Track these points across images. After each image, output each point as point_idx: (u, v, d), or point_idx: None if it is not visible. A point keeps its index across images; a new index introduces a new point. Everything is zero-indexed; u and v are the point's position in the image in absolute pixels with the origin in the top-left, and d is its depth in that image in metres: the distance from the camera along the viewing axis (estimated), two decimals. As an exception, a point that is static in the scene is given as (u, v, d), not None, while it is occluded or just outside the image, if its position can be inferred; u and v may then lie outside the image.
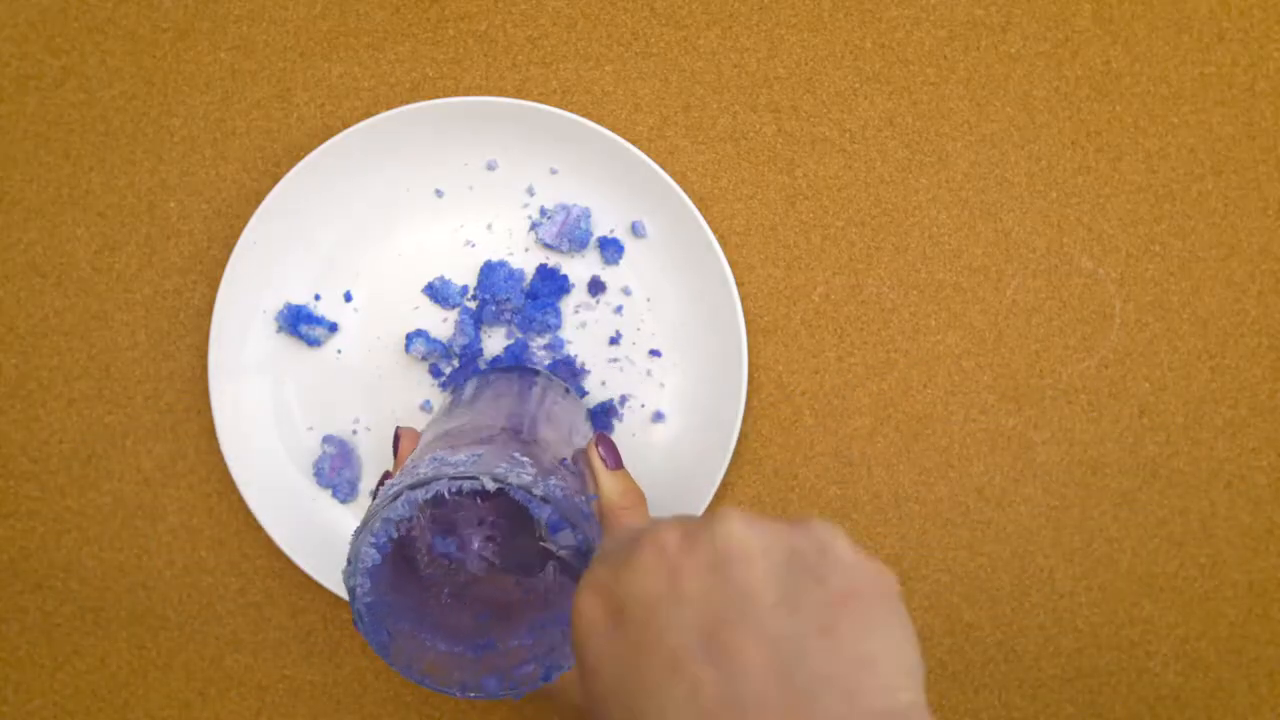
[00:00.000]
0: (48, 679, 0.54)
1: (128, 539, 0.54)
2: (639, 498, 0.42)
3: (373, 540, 0.37)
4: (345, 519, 0.53)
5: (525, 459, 0.38)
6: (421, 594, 0.40)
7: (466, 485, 0.36)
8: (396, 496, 0.36)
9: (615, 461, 0.43)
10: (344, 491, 0.53)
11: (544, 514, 0.36)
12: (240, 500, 0.54)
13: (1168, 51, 0.54)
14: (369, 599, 0.37)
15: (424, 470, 0.37)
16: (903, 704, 0.24)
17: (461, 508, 0.41)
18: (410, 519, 0.36)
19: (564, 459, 0.41)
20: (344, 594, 0.51)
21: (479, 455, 0.37)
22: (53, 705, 0.54)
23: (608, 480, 0.42)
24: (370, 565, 0.37)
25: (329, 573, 0.52)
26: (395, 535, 0.37)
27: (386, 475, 0.42)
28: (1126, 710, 0.52)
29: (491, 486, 0.36)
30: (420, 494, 0.36)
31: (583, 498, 0.38)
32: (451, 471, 0.36)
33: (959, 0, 0.54)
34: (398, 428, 0.45)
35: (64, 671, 0.54)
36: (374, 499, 0.38)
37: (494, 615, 0.40)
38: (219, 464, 0.54)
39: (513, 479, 0.36)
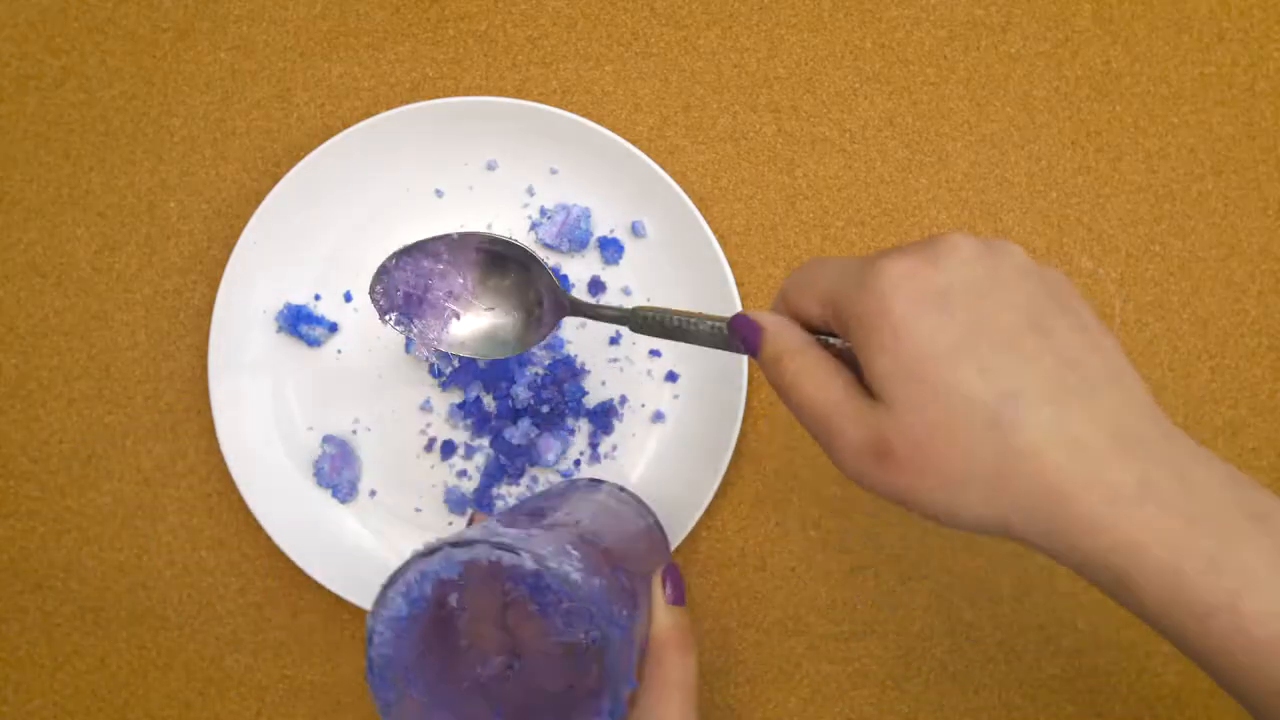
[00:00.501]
0: (48, 679, 0.54)
1: (128, 539, 0.54)
2: (689, 638, 0.41)
3: (403, 590, 0.35)
4: (345, 519, 0.53)
5: (575, 553, 0.36)
6: (444, 671, 0.38)
7: (507, 558, 0.34)
8: (434, 550, 0.35)
9: (678, 597, 0.42)
10: (344, 491, 0.53)
11: (565, 599, 0.34)
12: (240, 500, 0.54)
13: (1168, 51, 0.54)
14: (386, 650, 0.35)
15: (471, 533, 0.35)
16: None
17: (491, 594, 0.39)
18: (446, 579, 0.35)
19: (619, 568, 0.39)
20: (344, 594, 0.51)
21: (532, 535, 0.36)
22: (53, 705, 0.54)
23: (664, 613, 0.41)
24: (395, 615, 0.35)
25: (329, 573, 0.52)
26: (429, 594, 0.35)
27: None
28: (1126, 710, 0.52)
29: (531, 565, 0.34)
30: (461, 553, 0.34)
31: (624, 611, 0.36)
32: (495, 540, 0.35)
33: (959, 0, 0.54)
34: (471, 512, 0.43)
35: (64, 671, 0.54)
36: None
37: (508, 716, 0.39)
38: (219, 464, 0.54)
39: (553, 564, 0.34)
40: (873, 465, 0.31)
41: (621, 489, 0.50)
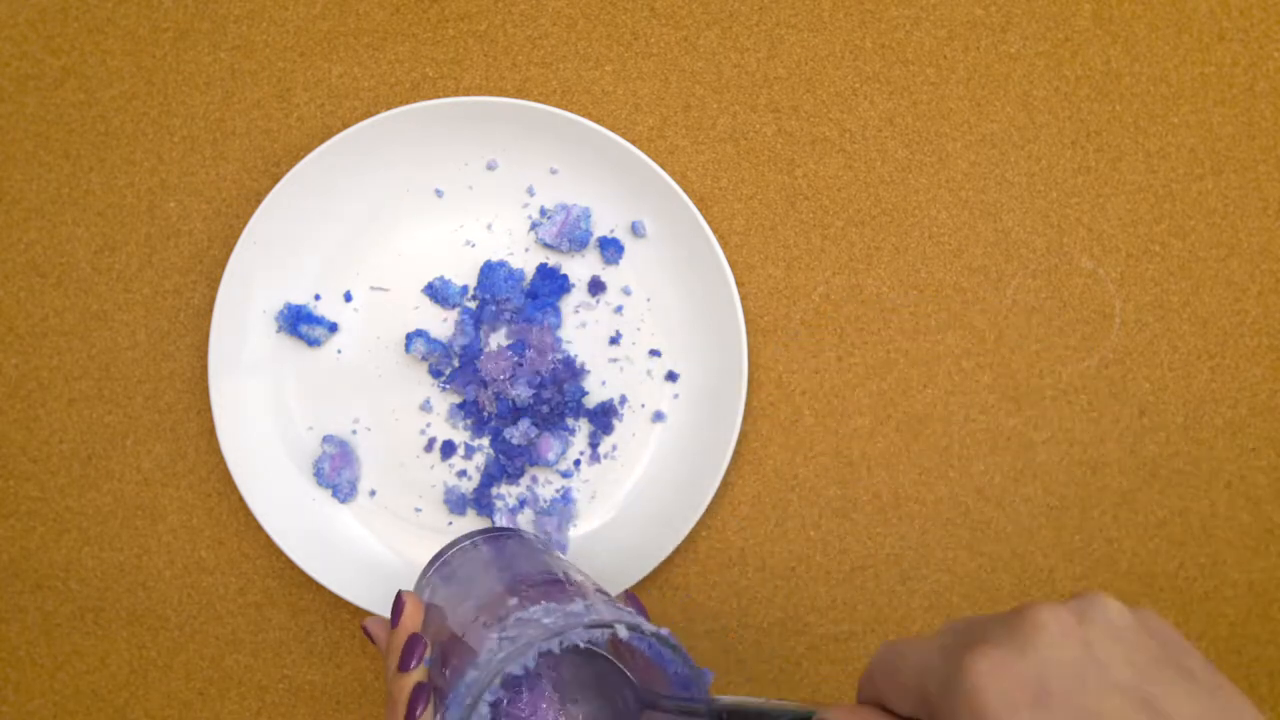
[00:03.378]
0: (48, 679, 0.54)
1: (128, 539, 0.54)
2: None
3: (490, 698, 0.34)
4: (345, 519, 0.53)
5: (621, 608, 0.36)
6: None
7: (601, 633, 0.34)
8: (527, 648, 0.34)
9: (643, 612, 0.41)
10: (344, 491, 0.53)
11: (675, 667, 0.34)
12: (240, 500, 0.54)
13: (1168, 51, 0.54)
14: None
15: (551, 621, 0.34)
16: None
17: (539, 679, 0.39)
18: (526, 671, 0.34)
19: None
20: (344, 593, 0.51)
21: (590, 604, 0.36)
22: (53, 705, 0.54)
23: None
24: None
25: (329, 573, 0.52)
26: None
27: (419, 641, 0.38)
28: (1126, 710, 0.52)
29: (625, 634, 0.34)
30: (555, 644, 0.34)
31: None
32: (584, 620, 0.34)
33: (959, 0, 0.54)
34: (401, 591, 0.41)
35: (64, 671, 0.54)
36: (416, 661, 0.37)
37: None
38: (219, 464, 0.54)
39: (645, 627, 0.34)
40: None
41: (522, 534, 0.48)
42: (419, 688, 0.37)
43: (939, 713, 0.29)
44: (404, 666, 0.37)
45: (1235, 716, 0.28)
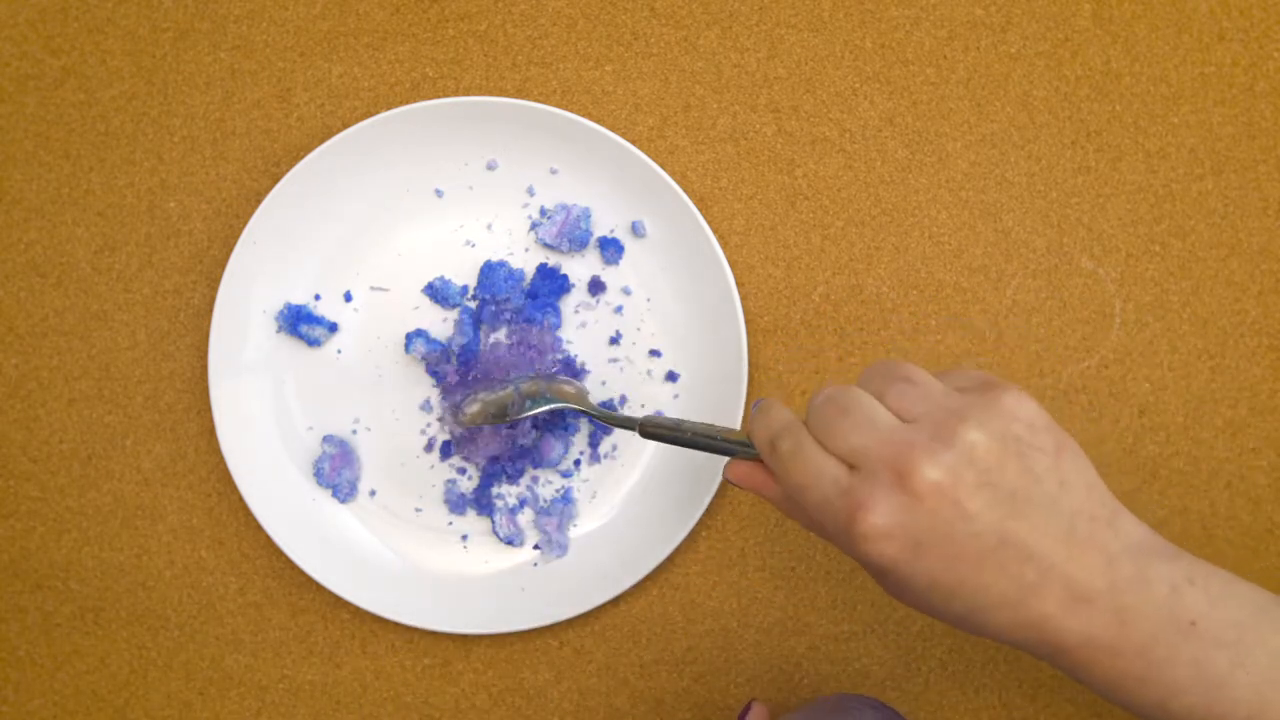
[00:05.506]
0: (48, 679, 0.54)
1: (128, 539, 0.54)
2: None
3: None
4: (345, 519, 0.53)
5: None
6: None
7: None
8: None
9: None
10: (344, 491, 0.53)
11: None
12: (240, 500, 0.54)
13: (1168, 51, 0.54)
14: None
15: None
16: (1114, 507, 0.37)
17: None
18: None
19: None
20: (344, 594, 0.51)
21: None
22: (53, 705, 0.54)
23: None
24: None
25: (329, 573, 0.51)
26: None
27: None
28: (1126, 710, 0.52)
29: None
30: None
31: None
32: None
33: (959, 0, 0.54)
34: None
35: (64, 671, 0.54)
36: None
37: None
38: (219, 464, 0.54)
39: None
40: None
41: None
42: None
43: (841, 548, 0.38)
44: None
45: (1070, 491, 0.36)
